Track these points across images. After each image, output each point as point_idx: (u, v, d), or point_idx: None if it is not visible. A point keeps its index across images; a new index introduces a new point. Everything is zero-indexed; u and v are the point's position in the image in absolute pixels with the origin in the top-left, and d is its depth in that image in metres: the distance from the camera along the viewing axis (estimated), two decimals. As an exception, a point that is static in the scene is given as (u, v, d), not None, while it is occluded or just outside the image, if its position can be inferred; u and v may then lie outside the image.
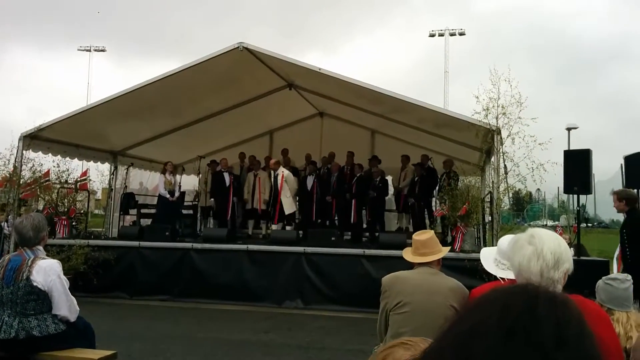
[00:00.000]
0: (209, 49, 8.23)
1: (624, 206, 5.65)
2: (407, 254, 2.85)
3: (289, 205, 9.68)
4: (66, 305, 3.00)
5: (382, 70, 74.67)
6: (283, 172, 9.74)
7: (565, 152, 7.34)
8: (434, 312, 2.45)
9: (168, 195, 9.90)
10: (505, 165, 7.01)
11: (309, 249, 7.74)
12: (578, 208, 7.58)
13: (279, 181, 9.65)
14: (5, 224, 8.28)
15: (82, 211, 9.77)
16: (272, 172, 9.89)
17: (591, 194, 7.38)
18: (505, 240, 2.29)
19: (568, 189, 7.26)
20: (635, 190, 6.15)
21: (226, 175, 10.38)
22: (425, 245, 2.76)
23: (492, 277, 2.41)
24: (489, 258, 2.41)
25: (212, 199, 10.57)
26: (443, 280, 2.69)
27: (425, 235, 2.83)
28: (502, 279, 2.22)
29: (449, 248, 3.02)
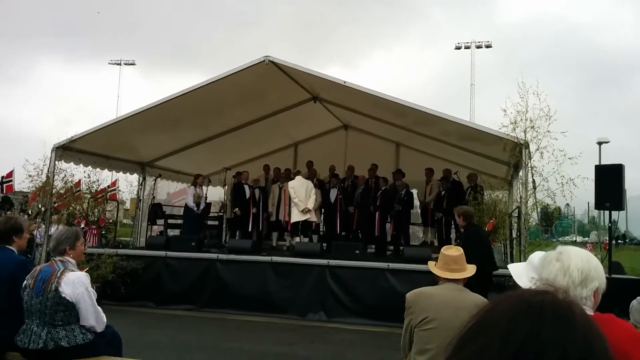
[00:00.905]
0: (232, 63, 8.38)
1: (462, 222, 6.07)
2: (435, 268, 2.84)
3: (294, 214, 9.76)
4: (93, 317, 3.04)
5: (403, 85, 74.46)
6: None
7: (596, 167, 7.15)
8: (459, 328, 2.40)
9: (195, 208, 10.09)
10: (533, 180, 6.86)
11: (333, 262, 7.71)
12: (609, 224, 7.36)
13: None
14: (37, 232, 8.54)
15: (111, 221, 10.02)
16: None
17: (623, 210, 7.16)
18: (537, 256, 2.24)
19: (599, 205, 7.07)
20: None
21: (246, 188, 10.47)
22: (456, 262, 2.77)
23: None
24: (522, 275, 2.34)
25: (236, 209, 10.68)
26: (469, 296, 2.67)
27: (455, 252, 2.83)
28: None
29: (475, 266, 2.95)
